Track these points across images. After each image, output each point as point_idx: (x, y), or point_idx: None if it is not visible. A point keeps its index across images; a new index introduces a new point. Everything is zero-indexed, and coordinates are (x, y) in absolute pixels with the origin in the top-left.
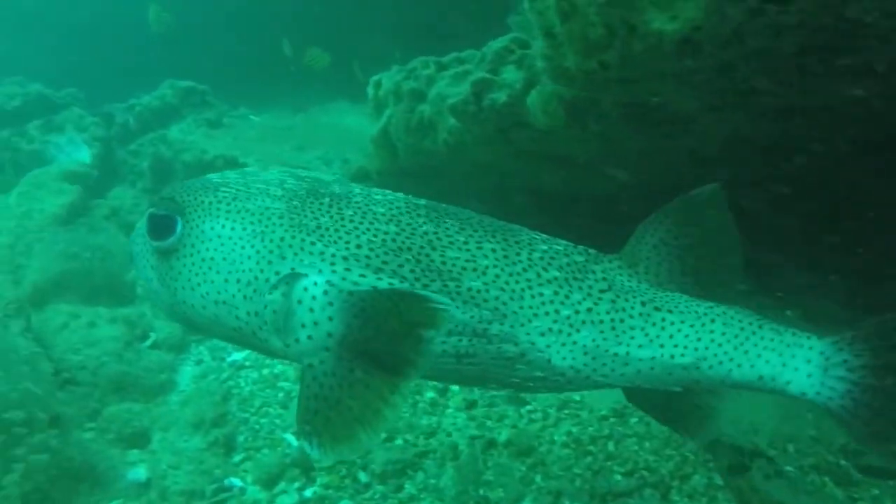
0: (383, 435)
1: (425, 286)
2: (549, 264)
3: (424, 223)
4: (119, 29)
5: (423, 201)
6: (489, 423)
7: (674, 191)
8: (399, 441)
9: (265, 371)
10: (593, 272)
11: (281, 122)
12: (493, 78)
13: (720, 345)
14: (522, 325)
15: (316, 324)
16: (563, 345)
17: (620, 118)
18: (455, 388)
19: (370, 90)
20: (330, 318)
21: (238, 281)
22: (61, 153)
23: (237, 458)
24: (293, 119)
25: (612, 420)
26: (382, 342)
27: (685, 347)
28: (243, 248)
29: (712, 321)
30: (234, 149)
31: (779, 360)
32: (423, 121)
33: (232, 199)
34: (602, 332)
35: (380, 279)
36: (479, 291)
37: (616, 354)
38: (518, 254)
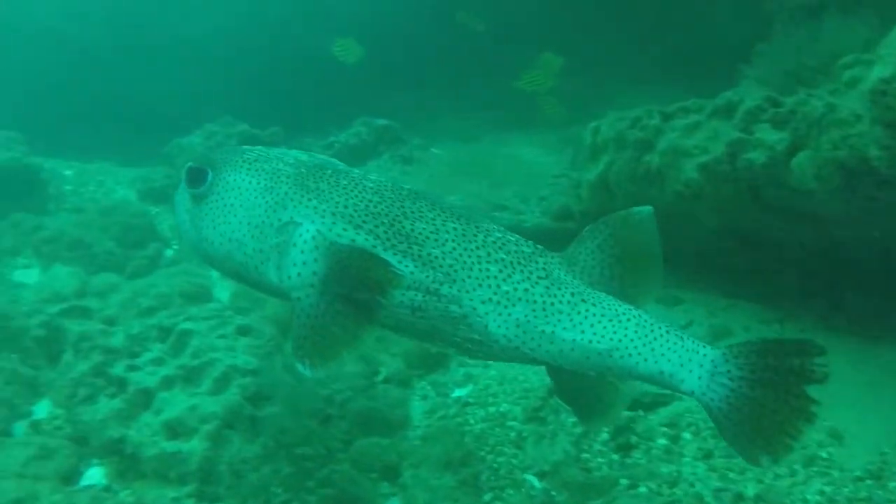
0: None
1: (394, 245)
2: (500, 248)
3: (404, 200)
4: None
5: (408, 185)
6: (731, 474)
7: None
8: (643, 489)
9: (491, 409)
10: (536, 262)
11: (456, 153)
12: (748, 137)
13: (632, 340)
14: (468, 291)
15: (304, 263)
16: (500, 315)
17: None
18: (687, 435)
19: (587, 136)
20: (315, 260)
21: (249, 224)
22: None
23: (486, 497)
24: (469, 151)
25: (868, 482)
26: (356, 284)
27: (602, 336)
28: (256, 198)
29: (628, 320)
30: (434, 186)
31: (678, 361)
32: (650, 170)
33: (254, 161)
34: (534, 310)
35: (358, 234)
36: (436, 257)
37: (543, 332)
38: (475, 235)
